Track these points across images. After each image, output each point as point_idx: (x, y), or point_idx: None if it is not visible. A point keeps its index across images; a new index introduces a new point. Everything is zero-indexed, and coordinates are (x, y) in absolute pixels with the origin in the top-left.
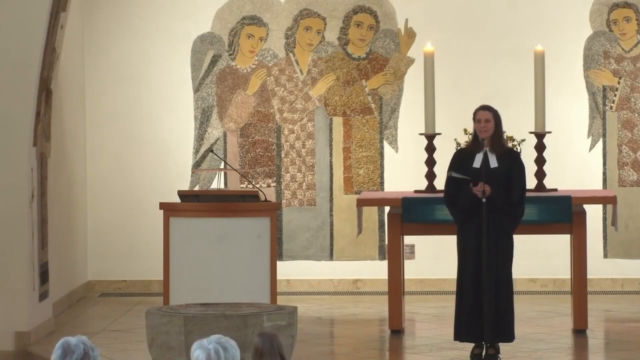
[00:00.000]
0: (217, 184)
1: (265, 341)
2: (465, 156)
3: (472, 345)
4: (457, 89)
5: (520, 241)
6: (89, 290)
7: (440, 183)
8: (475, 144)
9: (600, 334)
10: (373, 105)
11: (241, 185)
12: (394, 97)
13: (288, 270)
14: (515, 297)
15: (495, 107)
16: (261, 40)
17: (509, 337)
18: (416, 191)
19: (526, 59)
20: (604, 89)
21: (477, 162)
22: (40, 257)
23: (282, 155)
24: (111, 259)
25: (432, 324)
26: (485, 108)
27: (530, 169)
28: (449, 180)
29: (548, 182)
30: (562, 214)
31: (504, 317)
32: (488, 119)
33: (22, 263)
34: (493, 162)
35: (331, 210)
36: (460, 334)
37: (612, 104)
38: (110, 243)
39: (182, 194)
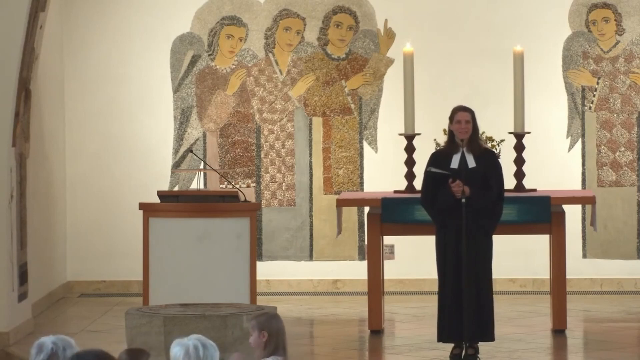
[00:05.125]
0: (197, 184)
1: (280, 321)
2: (443, 158)
3: (451, 345)
4: (436, 89)
5: (500, 241)
6: (68, 291)
7: (419, 183)
8: (451, 145)
9: (579, 334)
10: (352, 106)
11: (221, 186)
12: (374, 97)
13: (268, 270)
14: (495, 297)
15: (475, 108)
16: (241, 40)
17: (490, 337)
18: (396, 191)
19: (505, 60)
20: (583, 89)
21: (455, 163)
22: (19, 258)
23: (262, 156)
24: (90, 259)
25: (412, 324)
26: (464, 109)
27: (509, 169)
28: (428, 176)
29: (527, 183)
30: (541, 214)
31: (485, 317)
32: (468, 120)
33: (1, 263)
34: (471, 163)
35: (311, 210)
36: (443, 335)
37: (591, 105)
38: (89, 243)
39: (162, 195)
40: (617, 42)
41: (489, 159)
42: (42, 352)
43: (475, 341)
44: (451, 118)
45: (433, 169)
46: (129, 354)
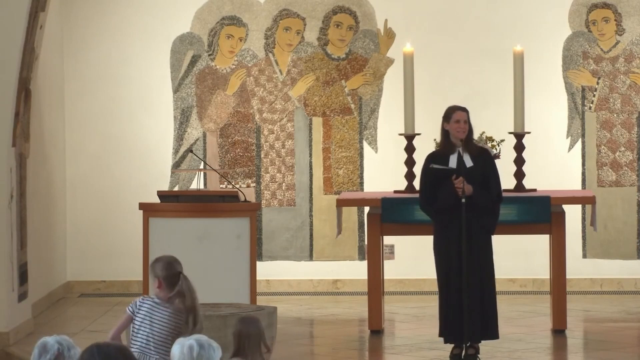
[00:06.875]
0: (197, 184)
1: (251, 325)
2: (439, 159)
3: (452, 345)
4: (436, 89)
5: (500, 241)
6: (68, 291)
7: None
8: (447, 145)
9: (579, 334)
10: (352, 106)
11: (221, 186)
12: (374, 97)
13: (268, 270)
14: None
15: (475, 108)
16: (241, 40)
17: (494, 334)
18: (396, 191)
19: (505, 60)
20: (583, 89)
21: (453, 163)
22: (19, 258)
23: (262, 156)
24: (90, 259)
25: (412, 324)
26: (462, 109)
27: (509, 169)
28: (427, 175)
29: (527, 183)
30: (541, 214)
31: (489, 315)
32: (466, 120)
33: (0, 263)
34: (468, 162)
35: (311, 210)
36: (447, 335)
37: (591, 105)
38: (89, 243)
39: (162, 194)
40: (617, 42)
41: (486, 159)
42: (48, 353)
43: (479, 340)
44: (447, 117)
45: (435, 166)
46: (163, 262)
